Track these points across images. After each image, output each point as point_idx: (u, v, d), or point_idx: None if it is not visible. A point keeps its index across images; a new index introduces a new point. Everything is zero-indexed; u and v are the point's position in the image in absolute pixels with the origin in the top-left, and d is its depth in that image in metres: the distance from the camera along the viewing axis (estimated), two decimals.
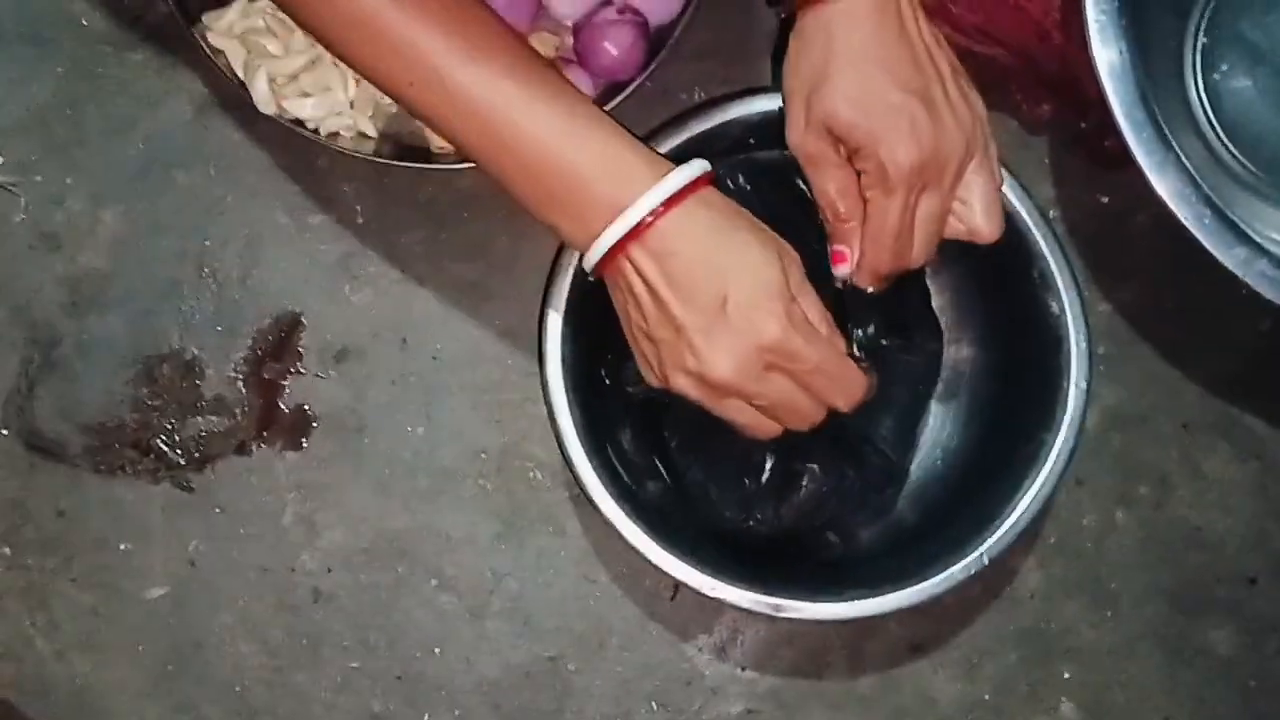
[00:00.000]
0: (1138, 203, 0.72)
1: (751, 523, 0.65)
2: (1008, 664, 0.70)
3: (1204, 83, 0.72)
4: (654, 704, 0.69)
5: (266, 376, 0.70)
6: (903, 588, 0.61)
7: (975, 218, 0.59)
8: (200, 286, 0.71)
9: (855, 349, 0.62)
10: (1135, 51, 0.62)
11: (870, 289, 0.60)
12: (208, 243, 0.71)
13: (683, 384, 0.56)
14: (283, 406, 0.70)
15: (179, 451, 0.70)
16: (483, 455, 0.70)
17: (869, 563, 0.65)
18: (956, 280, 0.69)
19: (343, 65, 0.67)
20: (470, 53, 0.53)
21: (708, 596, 0.61)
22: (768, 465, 0.64)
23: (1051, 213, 0.72)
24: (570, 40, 0.68)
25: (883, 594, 0.61)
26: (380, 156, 0.68)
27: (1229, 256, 0.62)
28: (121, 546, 0.69)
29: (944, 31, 0.68)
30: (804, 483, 0.64)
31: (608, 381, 0.66)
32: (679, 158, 0.55)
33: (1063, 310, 0.63)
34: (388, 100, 0.69)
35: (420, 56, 0.53)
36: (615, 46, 0.67)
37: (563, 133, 0.54)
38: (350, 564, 0.69)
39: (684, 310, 0.54)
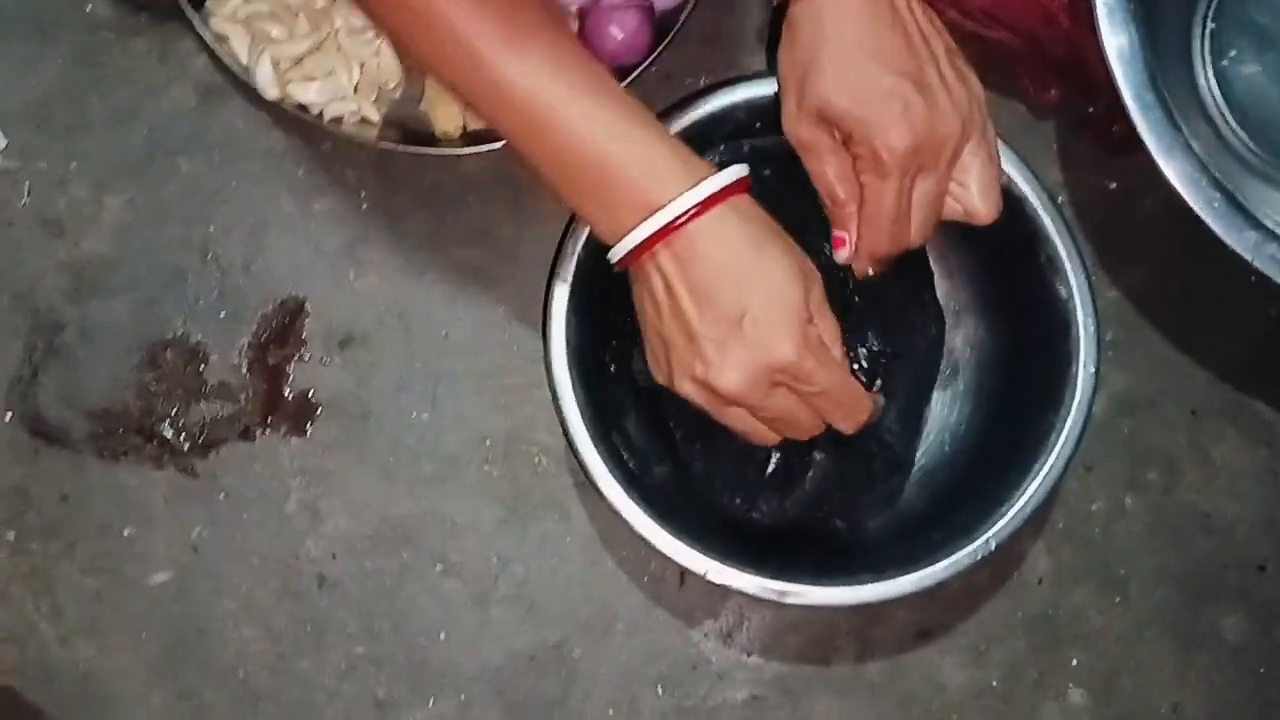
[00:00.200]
0: (1146, 187, 0.71)
1: (756, 514, 0.65)
2: (1016, 650, 0.70)
3: (1213, 68, 0.72)
4: (660, 689, 0.69)
5: (271, 362, 0.70)
6: (910, 572, 0.61)
7: (972, 199, 0.59)
8: (204, 272, 0.70)
9: (861, 366, 0.61)
10: (1144, 36, 0.62)
11: (869, 272, 0.60)
12: (211, 229, 0.71)
13: (688, 389, 0.56)
14: (287, 392, 0.70)
15: (183, 437, 0.70)
16: (487, 441, 0.70)
17: (876, 549, 0.65)
18: (962, 264, 0.69)
19: (346, 49, 0.68)
20: (511, 38, 0.53)
21: (714, 583, 0.60)
22: (773, 458, 0.64)
23: (1059, 197, 0.72)
24: (576, 24, 0.68)
25: (890, 579, 0.61)
26: (384, 142, 0.68)
27: (1239, 240, 0.61)
28: (125, 532, 0.69)
29: (951, 16, 0.68)
30: (809, 475, 0.64)
31: (613, 368, 0.66)
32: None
33: (1071, 294, 0.63)
34: (391, 85, 0.69)
35: (461, 39, 0.53)
36: (621, 30, 0.67)
37: (600, 125, 0.54)
38: (354, 550, 0.69)
39: (700, 318, 0.54)
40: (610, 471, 0.61)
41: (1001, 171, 0.61)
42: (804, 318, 0.54)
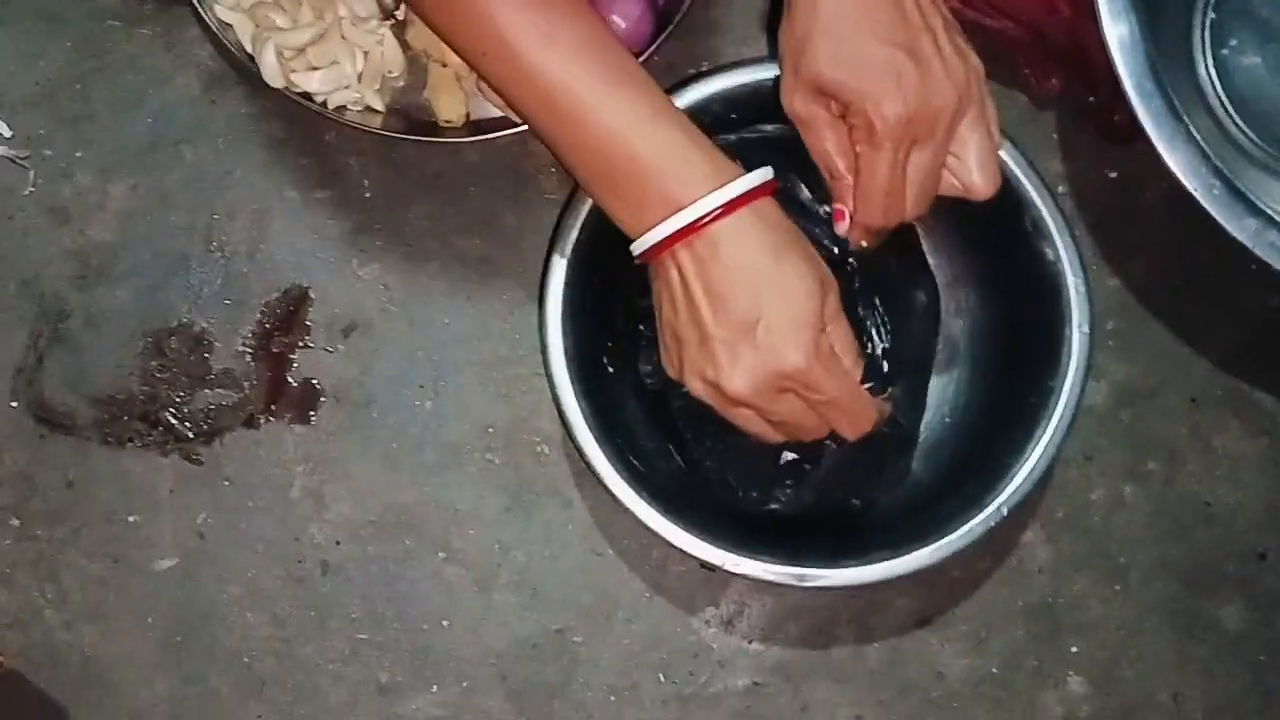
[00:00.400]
0: (1147, 177, 0.71)
1: (773, 505, 0.65)
2: (1016, 638, 0.70)
3: (1213, 59, 0.72)
4: (661, 676, 0.69)
5: (275, 350, 0.70)
6: (924, 546, 0.61)
7: (969, 174, 0.59)
8: (208, 260, 0.71)
9: (865, 349, 0.61)
10: (1144, 25, 0.62)
11: (864, 244, 0.60)
12: (216, 216, 0.71)
13: (698, 388, 0.57)
14: (291, 380, 0.70)
15: (187, 424, 0.70)
16: (490, 429, 0.70)
17: (887, 526, 0.65)
18: (950, 236, 0.69)
19: (350, 38, 0.68)
20: (545, 29, 0.54)
21: (731, 573, 0.61)
22: (785, 450, 0.64)
23: (1060, 187, 0.72)
24: None
25: (905, 554, 0.61)
26: (387, 130, 0.69)
27: (1240, 228, 0.62)
28: (130, 518, 0.69)
29: (953, 5, 0.68)
30: (822, 462, 0.64)
31: (611, 369, 0.66)
32: None
33: (1058, 256, 0.63)
34: (395, 74, 0.70)
35: (494, 28, 0.54)
36: (623, 19, 0.67)
37: (629, 120, 0.54)
38: (358, 537, 0.69)
39: (714, 320, 0.55)
40: (620, 471, 0.61)
41: (999, 146, 0.61)
42: (817, 327, 0.55)
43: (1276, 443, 0.72)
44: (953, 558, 0.62)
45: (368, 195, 0.71)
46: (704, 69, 0.72)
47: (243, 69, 0.68)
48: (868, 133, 0.57)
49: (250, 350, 0.70)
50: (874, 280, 0.63)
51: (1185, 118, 0.62)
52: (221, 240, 0.71)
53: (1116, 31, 0.62)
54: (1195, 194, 0.61)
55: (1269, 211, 0.62)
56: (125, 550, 0.69)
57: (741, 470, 0.64)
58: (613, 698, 0.69)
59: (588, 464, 0.62)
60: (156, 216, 0.71)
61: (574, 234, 0.63)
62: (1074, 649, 0.70)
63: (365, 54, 0.68)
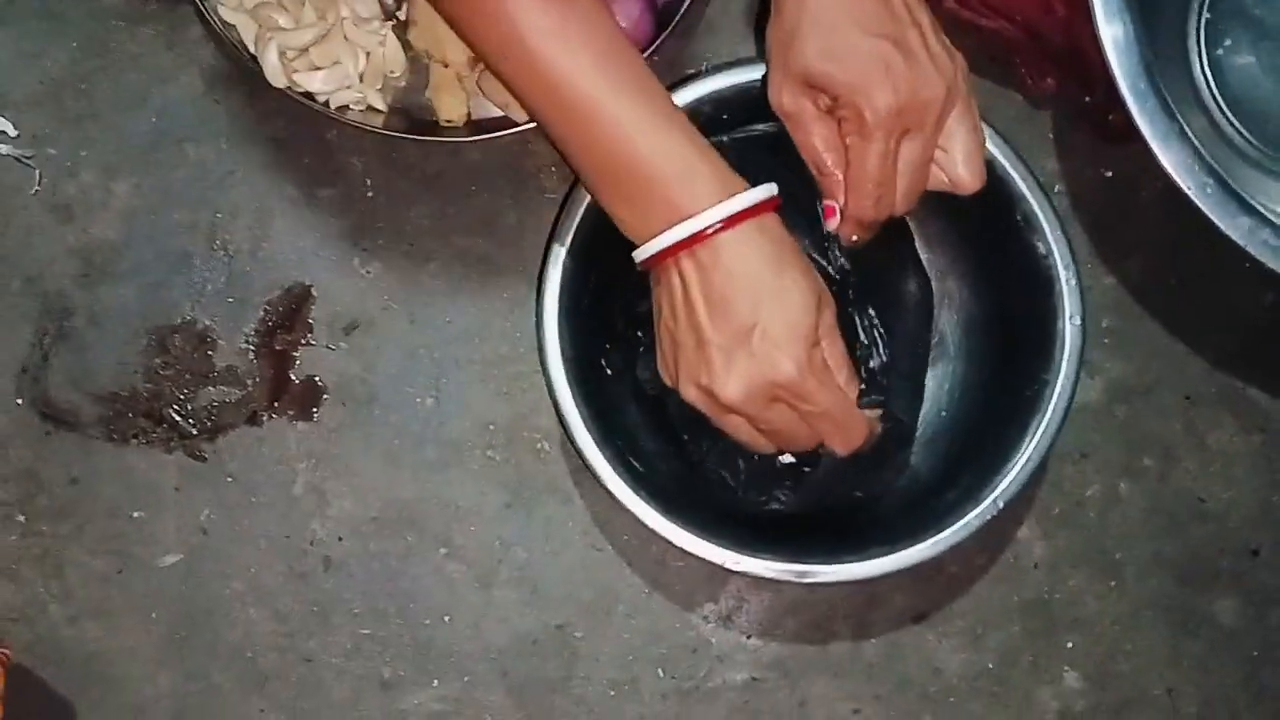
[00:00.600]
0: (1142, 176, 0.72)
1: (775, 505, 0.66)
2: (1012, 634, 0.71)
3: (1208, 58, 0.73)
4: (660, 671, 0.70)
5: (277, 347, 0.71)
6: (921, 541, 0.62)
7: (957, 167, 0.60)
8: (211, 258, 0.71)
9: (865, 387, 0.62)
10: (1139, 25, 0.63)
11: (854, 238, 0.61)
12: (218, 215, 0.71)
13: (692, 394, 0.58)
14: (293, 377, 0.71)
15: (191, 421, 0.70)
16: (491, 426, 0.71)
17: (884, 522, 0.65)
18: (941, 231, 0.69)
19: (352, 38, 0.68)
20: (562, 31, 0.55)
21: (733, 571, 0.62)
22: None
23: (1056, 186, 0.72)
24: None
25: (903, 548, 0.62)
26: (389, 130, 0.69)
27: (1233, 226, 0.62)
28: (134, 514, 0.70)
29: (949, 6, 0.69)
30: (820, 462, 0.64)
31: (609, 372, 0.67)
32: None
33: (1049, 250, 0.64)
34: (396, 74, 0.70)
35: (512, 27, 0.55)
36: (623, 19, 0.67)
37: (640, 127, 0.55)
38: (360, 533, 0.70)
39: (712, 327, 0.56)
40: (621, 473, 0.62)
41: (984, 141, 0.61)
42: (812, 339, 0.56)
43: (1270, 440, 0.72)
44: (951, 551, 0.62)
45: (369, 194, 0.72)
46: (704, 68, 0.72)
47: (245, 69, 0.69)
48: (858, 124, 0.57)
49: (253, 348, 0.71)
50: (867, 285, 0.64)
51: (1179, 117, 0.62)
52: (224, 238, 0.71)
53: (1111, 31, 0.63)
54: (1189, 193, 0.62)
55: (1262, 210, 0.62)
56: (129, 546, 0.69)
57: (741, 471, 0.65)
58: (612, 692, 0.69)
59: (588, 466, 0.62)
60: (160, 215, 0.71)
61: (574, 225, 0.63)
62: (1069, 644, 0.71)
63: (367, 54, 0.69)
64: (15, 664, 0.67)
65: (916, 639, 0.70)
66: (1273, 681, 0.71)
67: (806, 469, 0.64)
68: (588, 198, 0.63)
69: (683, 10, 0.68)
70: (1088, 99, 0.69)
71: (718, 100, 0.64)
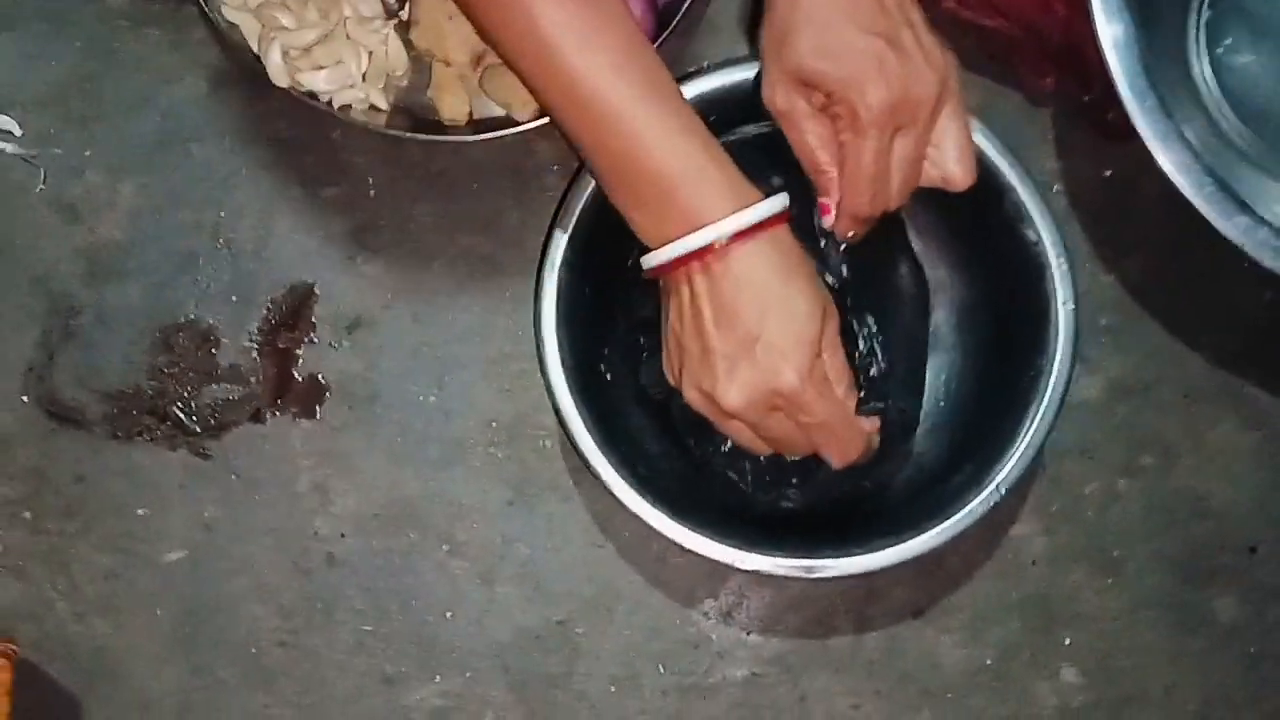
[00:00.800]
0: (1141, 175, 0.72)
1: (784, 503, 0.66)
2: (1011, 630, 0.71)
3: (1208, 57, 0.73)
4: (661, 667, 0.70)
5: (281, 346, 0.71)
6: (926, 530, 0.62)
7: (949, 163, 0.60)
8: (216, 257, 0.72)
9: (864, 395, 0.62)
10: (1139, 25, 0.63)
11: (851, 234, 0.61)
12: (223, 214, 0.72)
13: (694, 398, 0.59)
14: (297, 375, 0.71)
15: (195, 419, 0.71)
16: (493, 424, 0.71)
17: (889, 514, 0.66)
18: (932, 224, 0.69)
19: (355, 38, 0.69)
20: (584, 32, 0.55)
21: (742, 570, 0.62)
22: None
23: (1055, 185, 0.73)
24: None
25: (909, 539, 0.62)
26: (392, 129, 0.69)
27: (1230, 225, 0.62)
28: (139, 511, 0.70)
29: (949, 5, 0.69)
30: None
31: (609, 376, 0.68)
32: None
33: (1039, 237, 0.64)
34: (399, 73, 0.70)
35: (534, 26, 0.55)
36: None
37: (658, 133, 0.56)
38: (363, 529, 0.70)
39: (717, 334, 0.56)
40: (625, 477, 0.63)
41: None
42: (814, 350, 0.57)
43: (1269, 437, 0.72)
44: (953, 543, 0.63)
45: (372, 193, 0.72)
46: (705, 66, 0.72)
47: (249, 68, 0.69)
48: (852, 120, 0.57)
49: (257, 346, 0.71)
50: (864, 286, 0.64)
51: (1178, 116, 0.62)
52: (229, 238, 0.72)
53: (1110, 31, 0.63)
54: (1186, 193, 0.62)
55: (1259, 210, 0.62)
56: (135, 543, 0.70)
57: (749, 471, 0.65)
58: (614, 688, 0.70)
59: (595, 473, 0.63)
60: (165, 214, 0.72)
61: (576, 211, 0.64)
62: (1068, 640, 0.71)
63: (370, 53, 0.69)
64: (22, 659, 0.67)
65: (916, 634, 0.71)
66: (1271, 678, 0.71)
67: (815, 464, 0.65)
68: (586, 195, 0.64)
69: (683, 10, 0.69)
70: (1087, 97, 0.69)
71: (706, 102, 0.64)
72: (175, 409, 0.71)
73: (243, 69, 0.72)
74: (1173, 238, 0.72)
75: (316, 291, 0.72)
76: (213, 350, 0.71)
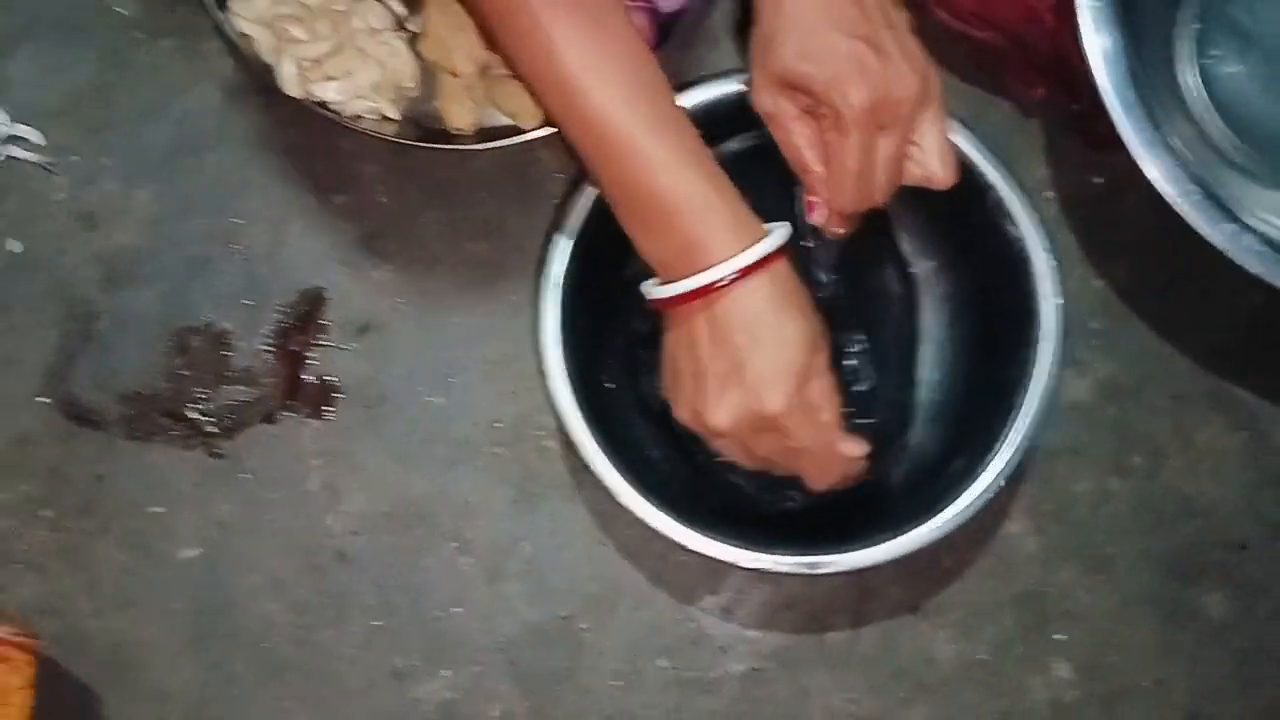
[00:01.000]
0: (1129, 182, 0.72)
1: (788, 503, 0.68)
2: (1004, 626, 0.72)
3: (1197, 67, 0.74)
4: (663, 662, 0.71)
5: (292, 348, 0.73)
6: (924, 524, 0.63)
7: (931, 162, 0.62)
8: (229, 262, 0.73)
9: (851, 410, 0.63)
10: (1127, 36, 0.64)
11: (838, 230, 0.63)
12: (236, 221, 0.73)
13: (685, 416, 0.61)
14: (308, 377, 0.73)
15: (210, 419, 0.72)
16: (497, 425, 0.72)
17: (888, 509, 0.67)
18: (917, 224, 0.71)
19: (366, 50, 0.70)
20: (595, 60, 0.57)
21: (747, 569, 0.64)
22: None
23: (1046, 192, 0.74)
24: None
25: (906, 533, 0.63)
26: (401, 138, 0.70)
27: (1216, 233, 0.64)
28: (155, 510, 0.71)
29: (940, 17, 0.70)
30: None
31: (610, 386, 0.69)
32: None
33: (1022, 232, 0.65)
34: (409, 84, 0.72)
35: (550, 53, 0.57)
36: None
37: (666, 164, 0.57)
38: (372, 528, 0.72)
39: (710, 358, 0.58)
40: (630, 481, 0.64)
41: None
42: (803, 377, 0.58)
43: (1256, 437, 0.73)
44: (950, 536, 0.64)
45: (382, 200, 0.74)
46: (703, 76, 0.74)
47: (262, 79, 0.70)
48: (835, 120, 0.59)
49: (269, 349, 0.73)
50: (852, 294, 0.65)
51: (1165, 126, 0.64)
52: (242, 243, 0.73)
53: (1098, 42, 0.64)
54: (1172, 201, 0.63)
55: (1244, 217, 0.64)
56: (151, 541, 0.71)
57: (750, 473, 0.66)
58: (617, 682, 0.71)
59: (600, 479, 0.64)
60: (179, 221, 0.73)
61: (578, 217, 0.66)
62: (1060, 636, 0.72)
63: (380, 65, 0.70)
64: (42, 654, 0.68)
65: (911, 631, 0.72)
66: (1260, 673, 0.72)
67: None
68: (587, 202, 0.65)
69: (684, 24, 0.70)
70: (1076, 107, 0.70)
71: (701, 113, 0.65)
72: (190, 410, 0.72)
73: (255, 79, 0.73)
74: (1161, 243, 0.73)
75: (327, 296, 0.73)
76: (226, 353, 0.73)
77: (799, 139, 0.61)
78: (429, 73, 0.72)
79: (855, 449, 0.62)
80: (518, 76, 0.60)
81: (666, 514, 0.64)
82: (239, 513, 0.72)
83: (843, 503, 0.68)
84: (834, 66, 0.58)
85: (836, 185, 0.61)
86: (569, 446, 0.72)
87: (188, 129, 0.74)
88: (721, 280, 0.57)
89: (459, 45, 0.70)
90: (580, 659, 0.71)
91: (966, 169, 0.64)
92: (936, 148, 0.62)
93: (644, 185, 0.57)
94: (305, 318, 0.73)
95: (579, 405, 0.65)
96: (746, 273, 0.57)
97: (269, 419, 0.72)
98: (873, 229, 0.65)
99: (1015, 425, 0.64)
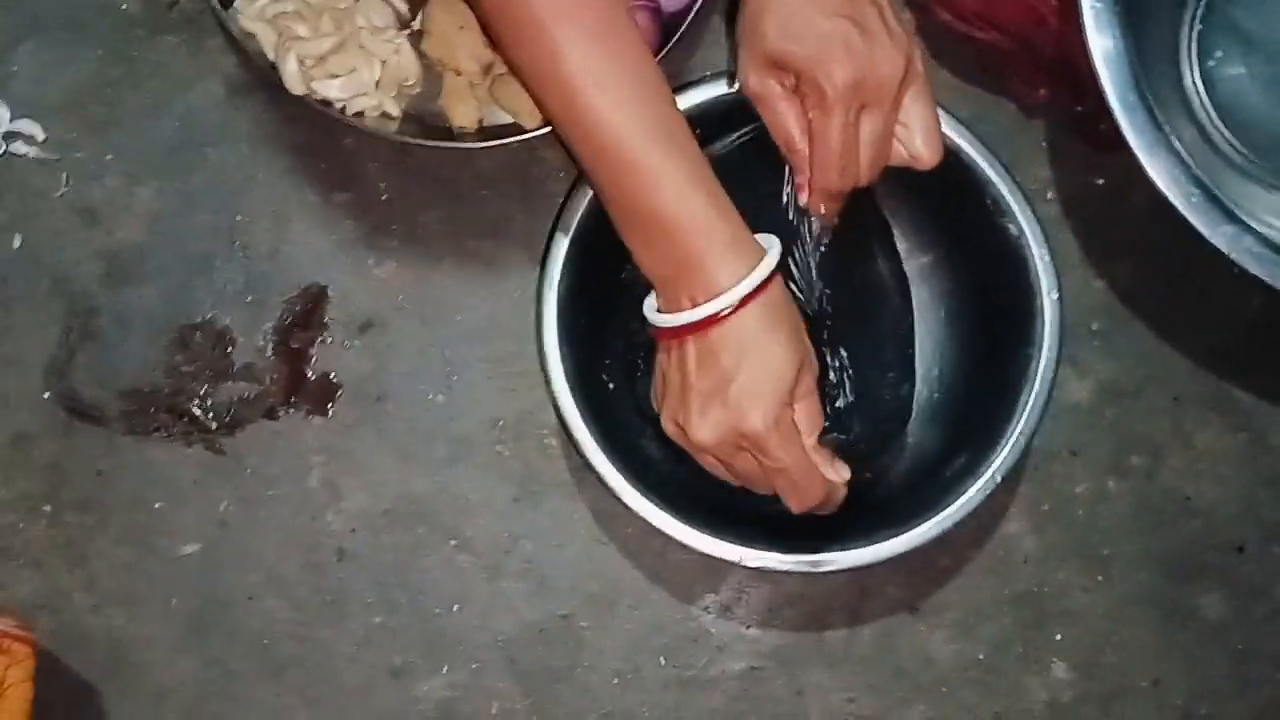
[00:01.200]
0: (1132, 184, 0.73)
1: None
2: (1002, 626, 0.72)
3: (1199, 69, 0.74)
4: (662, 660, 0.71)
5: (294, 345, 0.73)
6: (925, 521, 0.64)
7: (916, 142, 0.62)
8: (231, 259, 0.73)
9: (828, 425, 0.63)
10: (1130, 38, 0.64)
11: (824, 210, 0.63)
12: (239, 218, 0.73)
13: (670, 429, 0.62)
14: (309, 374, 0.73)
15: (211, 416, 0.72)
16: (499, 423, 0.73)
17: (889, 507, 0.67)
18: (916, 223, 0.71)
19: (368, 47, 0.70)
20: (601, 78, 0.58)
21: (750, 567, 0.64)
22: None
23: (1048, 193, 0.74)
24: None
25: (907, 530, 0.64)
26: (403, 136, 0.70)
27: (1217, 234, 0.64)
28: (156, 506, 0.72)
29: (943, 18, 0.70)
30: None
31: (611, 386, 0.69)
32: None
33: (1021, 230, 0.66)
34: (411, 82, 0.72)
35: (557, 62, 0.57)
36: None
37: (667, 182, 0.58)
38: (373, 525, 0.72)
39: (697, 374, 0.59)
40: (632, 482, 0.65)
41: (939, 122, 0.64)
42: (784, 399, 0.59)
43: (1255, 439, 0.74)
44: (948, 535, 0.64)
45: (384, 198, 0.74)
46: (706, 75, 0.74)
47: (265, 76, 0.70)
48: (819, 99, 0.59)
49: (271, 345, 0.73)
50: (843, 270, 0.65)
51: (1168, 128, 0.64)
52: (244, 240, 0.73)
53: (1101, 44, 0.64)
54: (1174, 202, 0.63)
55: (1245, 219, 0.64)
56: (151, 537, 0.71)
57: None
58: (616, 680, 0.71)
59: (602, 480, 0.65)
60: (182, 218, 0.73)
61: (578, 214, 0.66)
62: (1058, 636, 0.72)
63: (383, 62, 0.70)
64: (41, 649, 0.68)
65: (909, 630, 0.72)
66: (1257, 673, 0.73)
67: None
68: (587, 200, 0.65)
69: (687, 23, 0.70)
70: (1079, 108, 0.71)
71: (698, 112, 0.65)
72: (191, 407, 0.72)
73: (258, 76, 0.73)
74: (1162, 244, 0.73)
75: (329, 293, 0.73)
76: (228, 350, 0.73)
77: (786, 119, 0.62)
78: (432, 70, 0.72)
79: (836, 474, 0.62)
80: (520, 79, 0.60)
81: (668, 513, 0.64)
82: (239, 509, 0.72)
83: (846, 498, 0.68)
84: (816, 45, 0.59)
85: (820, 164, 0.61)
86: (570, 445, 0.72)
87: (190, 126, 0.74)
88: (724, 311, 0.58)
89: (462, 43, 0.70)
90: (580, 657, 0.71)
91: (966, 167, 0.64)
92: (921, 127, 0.62)
93: (644, 199, 0.58)
94: (307, 315, 0.73)
95: (580, 404, 0.65)
96: (746, 301, 0.58)
97: (270, 416, 0.73)
98: (868, 219, 0.65)
99: (1015, 424, 0.65)
